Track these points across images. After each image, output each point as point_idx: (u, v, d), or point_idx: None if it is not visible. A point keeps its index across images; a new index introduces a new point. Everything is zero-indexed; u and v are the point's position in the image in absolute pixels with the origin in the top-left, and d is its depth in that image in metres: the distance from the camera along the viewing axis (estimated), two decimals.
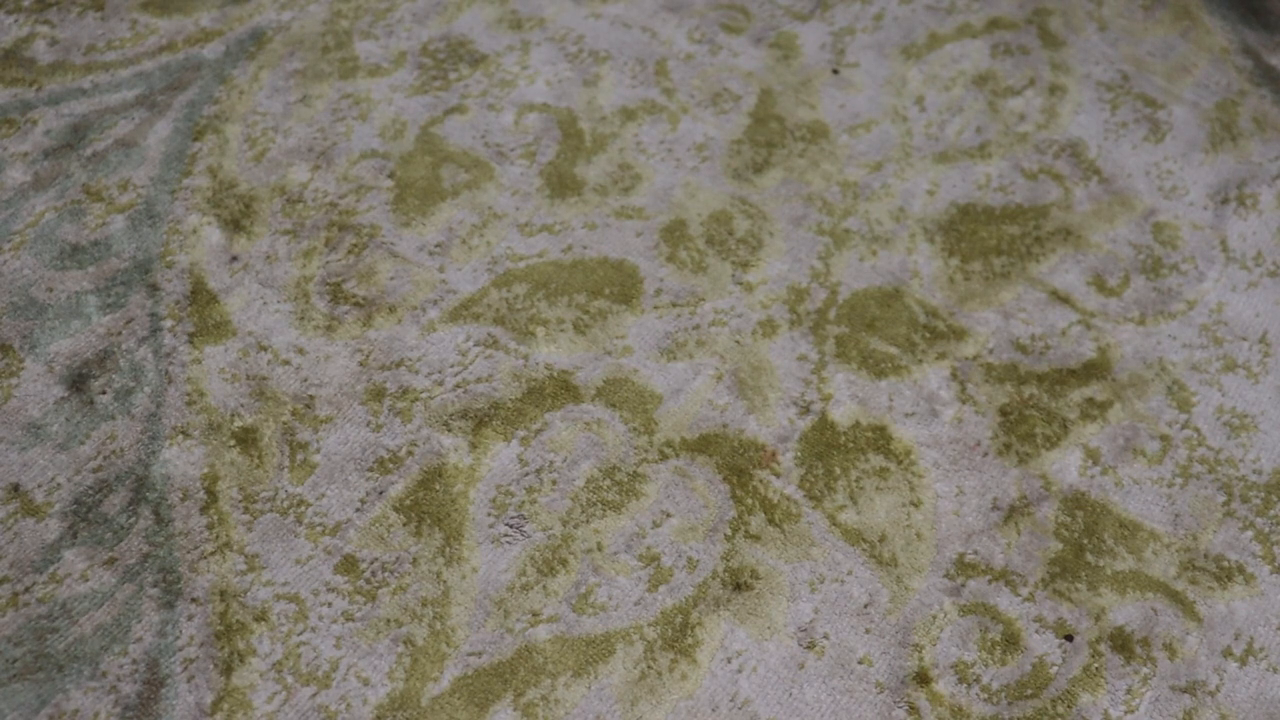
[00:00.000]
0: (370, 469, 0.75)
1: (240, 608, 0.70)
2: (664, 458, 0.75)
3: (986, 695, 0.68)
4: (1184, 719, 0.67)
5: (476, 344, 0.80)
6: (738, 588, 0.71)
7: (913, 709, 0.67)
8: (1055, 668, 0.68)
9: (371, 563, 0.72)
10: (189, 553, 0.72)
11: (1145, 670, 0.68)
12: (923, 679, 0.69)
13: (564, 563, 0.71)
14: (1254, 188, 0.89)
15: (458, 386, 0.78)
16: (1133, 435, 0.77)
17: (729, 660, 0.68)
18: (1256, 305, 0.84)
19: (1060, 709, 0.67)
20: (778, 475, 0.75)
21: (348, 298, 0.83)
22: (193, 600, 0.70)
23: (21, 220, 0.86)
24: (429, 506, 0.74)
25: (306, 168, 0.89)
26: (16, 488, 0.74)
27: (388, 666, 0.68)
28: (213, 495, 0.74)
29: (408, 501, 0.74)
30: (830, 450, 0.76)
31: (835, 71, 0.95)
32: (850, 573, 0.72)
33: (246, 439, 0.76)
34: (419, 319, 0.82)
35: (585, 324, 0.81)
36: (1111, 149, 0.91)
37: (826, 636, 0.69)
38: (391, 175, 0.89)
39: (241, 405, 0.78)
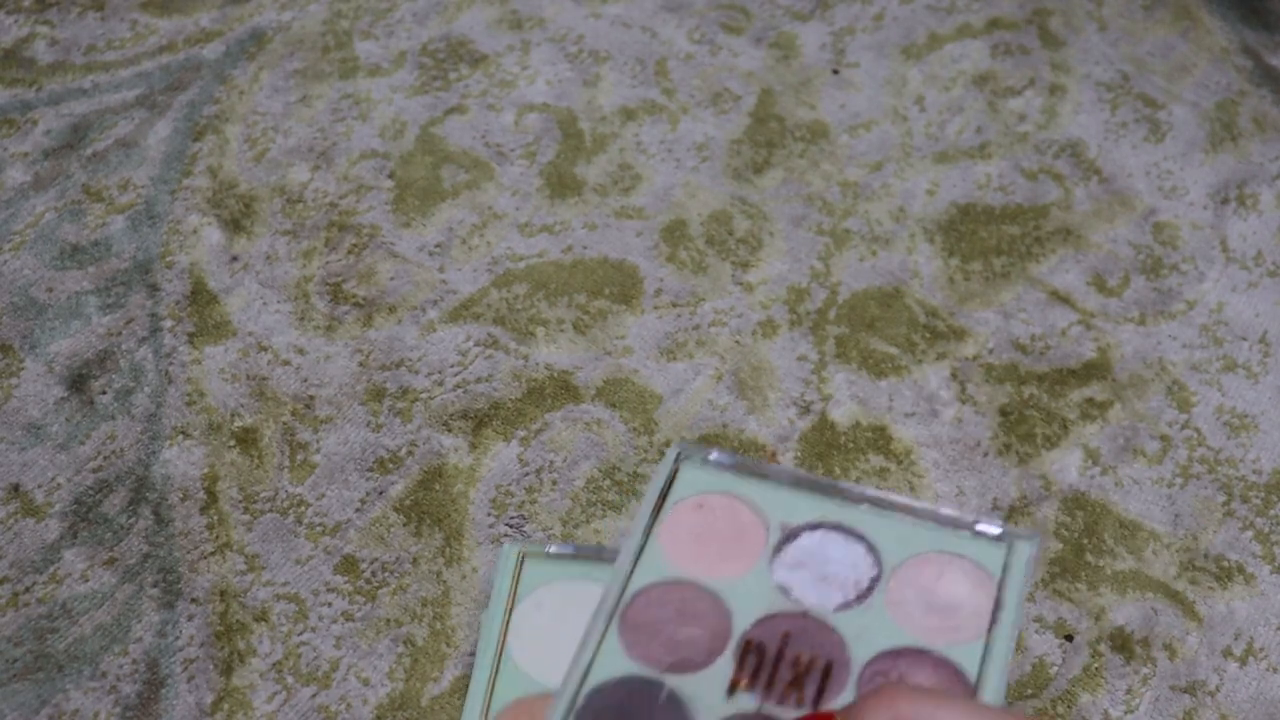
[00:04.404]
0: (370, 469, 0.75)
1: (240, 608, 0.70)
2: (664, 457, 0.74)
3: None
4: (1184, 719, 0.67)
5: (476, 344, 0.80)
6: None
7: None
8: (1055, 668, 0.68)
9: (371, 563, 0.72)
10: (189, 553, 0.72)
11: (1145, 670, 0.68)
12: None
13: None
14: (1254, 188, 0.89)
15: (458, 386, 0.78)
16: (1133, 435, 0.77)
17: None
18: (1256, 305, 0.84)
19: (1060, 709, 0.67)
20: None
21: (348, 298, 0.83)
22: (193, 600, 0.70)
23: (21, 220, 0.86)
24: (429, 506, 0.74)
25: (306, 168, 0.89)
26: (16, 488, 0.74)
27: (388, 666, 0.68)
28: (213, 495, 0.74)
29: (408, 501, 0.74)
30: (830, 450, 0.76)
31: (835, 71, 0.95)
32: None
33: (246, 439, 0.76)
34: (419, 319, 0.82)
35: (585, 324, 0.81)
36: (1111, 149, 0.91)
37: None
38: (391, 175, 0.89)
39: (241, 405, 0.78)
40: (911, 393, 0.79)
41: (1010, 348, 0.81)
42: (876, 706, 0.40)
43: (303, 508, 0.73)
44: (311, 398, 0.78)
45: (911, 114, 0.93)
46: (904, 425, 0.77)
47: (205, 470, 0.75)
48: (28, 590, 0.70)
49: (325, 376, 0.79)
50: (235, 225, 0.86)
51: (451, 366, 0.79)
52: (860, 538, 0.61)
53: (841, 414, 0.78)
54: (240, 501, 0.74)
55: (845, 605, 0.58)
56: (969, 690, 0.54)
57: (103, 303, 0.82)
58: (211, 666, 0.68)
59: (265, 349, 0.80)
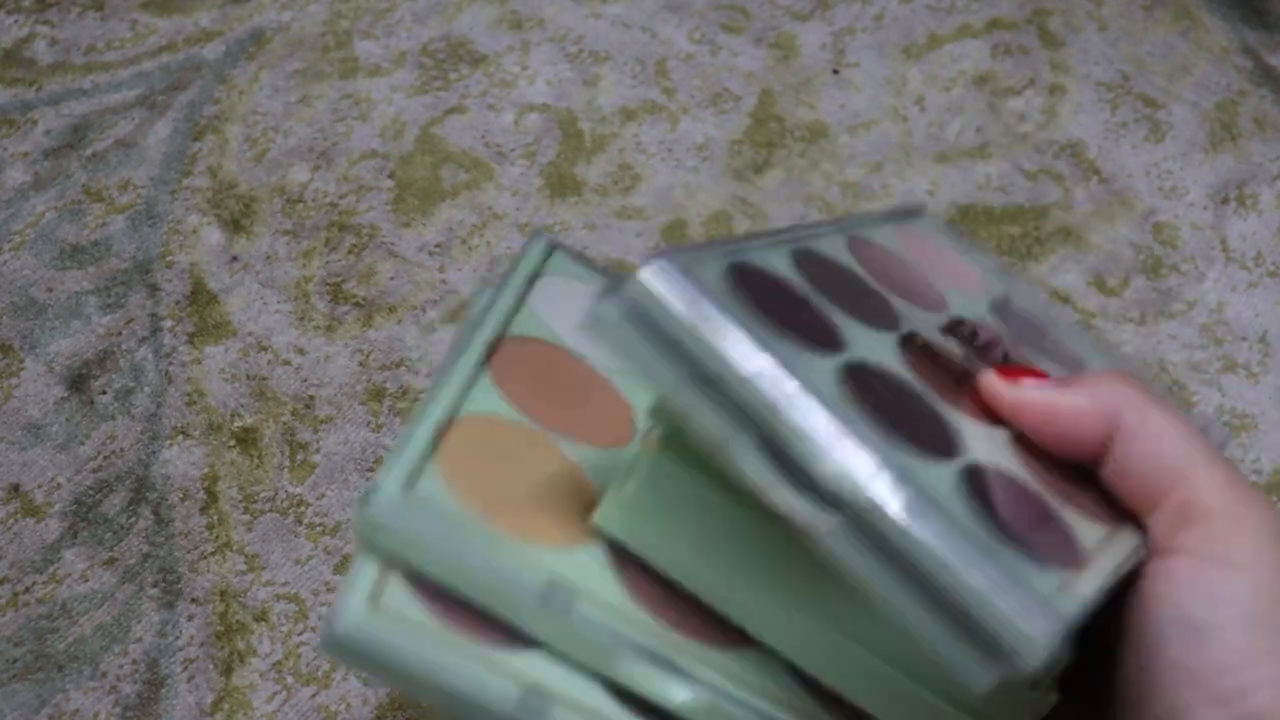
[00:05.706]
0: (370, 469, 0.75)
1: (240, 608, 0.70)
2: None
3: None
4: None
5: None
6: None
7: None
8: None
9: None
10: (189, 553, 0.72)
11: None
12: None
13: None
14: (1254, 188, 0.89)
15: None
16: None
17: None
18: (1256, 305, 0.84)
19: None
20: None
21: (348, 298, 0.83)
22: (193, 600, 0.70)
23: (21, 220, 0.86)
24: None
25: (306, 168, 0.89)
26: (16, 488, 0.74)
27: None
28: (213, 495, 0.74)
29: None
30: None
31: (835, 71, 0.95)
32: None
33: (246, 439, 0.76)
34: (419, 319, 0.82)
35: None
36: (1111, 149, 0.91)
37: None
38: (391, 175, 0.89)
39: (241, 405, 0.78)
40: None
41: None
42: (1114, 379, 0.40)
43: (303, 508, 0.73)
44: (311, 398, 0.78)
45: (911, 114, 0.93)
46: None
47: (205, 470, 0.75)
48: (28, 590, 0.70)
49: (325, 376, 0.79)
50: (235, 225, 0.86)
51: None
52: None
53: None
54: (240, 501, 0.74)
55: None
56: None
57: (103, 303, 0.82)
58: (211, 666, 0.68)
59: (265, 349, 0.80)
